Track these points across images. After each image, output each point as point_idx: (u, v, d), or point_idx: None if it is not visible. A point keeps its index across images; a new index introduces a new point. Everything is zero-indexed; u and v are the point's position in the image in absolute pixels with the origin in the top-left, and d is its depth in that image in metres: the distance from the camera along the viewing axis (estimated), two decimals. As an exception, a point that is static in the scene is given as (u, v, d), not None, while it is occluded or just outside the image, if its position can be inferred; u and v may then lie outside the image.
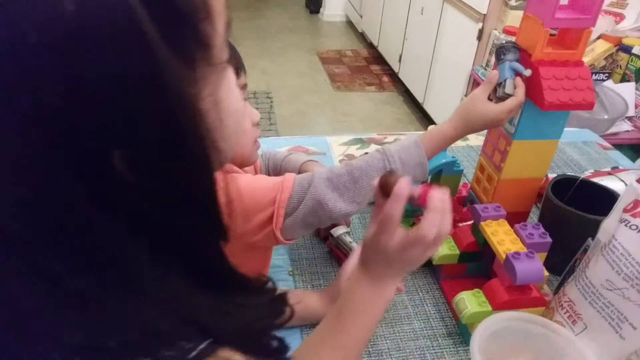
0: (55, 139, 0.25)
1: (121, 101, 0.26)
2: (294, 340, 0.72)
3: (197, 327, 0.31)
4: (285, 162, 0.93)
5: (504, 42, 0.72)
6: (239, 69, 0.68)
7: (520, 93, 0.73)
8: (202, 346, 0.30)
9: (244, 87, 0.71)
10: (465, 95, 2.37)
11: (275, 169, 0.95)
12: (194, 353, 0.30)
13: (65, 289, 0.28)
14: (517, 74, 0.73)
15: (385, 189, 0.51)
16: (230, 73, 0.36)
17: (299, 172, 0.90)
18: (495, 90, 0.74)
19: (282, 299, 0.41)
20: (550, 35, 0.73)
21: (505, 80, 0.72)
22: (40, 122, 0.25)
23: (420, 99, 2.95)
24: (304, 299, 0.74)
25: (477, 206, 0.77)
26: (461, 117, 0.74)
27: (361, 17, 4.09)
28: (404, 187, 0.49)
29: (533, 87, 0.73)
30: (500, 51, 0.74)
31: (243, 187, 0.67)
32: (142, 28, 0.25)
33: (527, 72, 0.72)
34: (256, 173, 0.94)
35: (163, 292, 0.31)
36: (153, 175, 0.29)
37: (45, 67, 0.24)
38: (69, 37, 0.24)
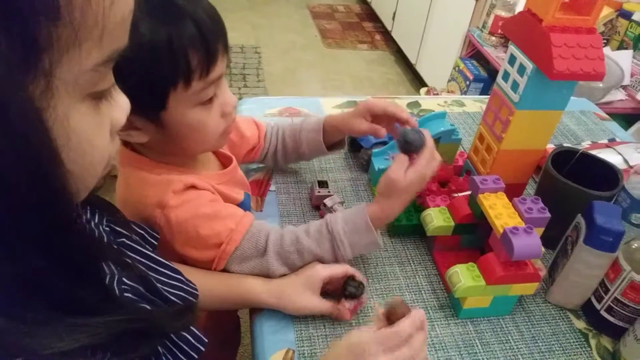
0: None
1: None
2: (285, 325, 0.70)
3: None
4: (306, 124, 0.86)
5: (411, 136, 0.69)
6: (218, 55, 0.60)
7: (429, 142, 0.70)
8: None
9: (221, 75, 0.62)
10: (460, 58, 2.31)
11: (294, 136, 0.87)
12: None
13: None
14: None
15: (390, 318, 0.55)
16: (93, 104, 0.31)
17: (324, 129, 0.84)
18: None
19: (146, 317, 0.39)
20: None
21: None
22: None
23: (412, 60, 2.88)
24: (248, 284, 0.69)
25: (476, 178, 0.74)
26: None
27: (355, -30, 3.94)
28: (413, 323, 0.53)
29: (542, 55, 0.69)
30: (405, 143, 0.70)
31: (204, 214, 0.66)
32: None
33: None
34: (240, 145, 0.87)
35: None
36: None
37: None
38: None
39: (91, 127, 0.31)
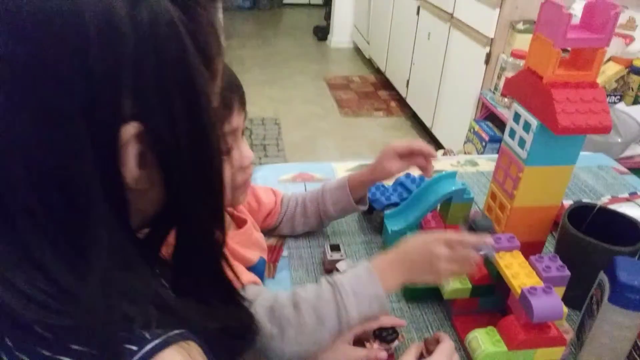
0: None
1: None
2: None
3: (170, 316, 0.36)
4: (329, 185, 0.89)
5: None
6: (234, 108, 0.63)
7: None
8: (171, 333, 0.34)
9: (237, 129, 0.65)
10: (474, 119, 2.33)
11: (316, 198, 0.89)
12: (163, 337, 0.34)
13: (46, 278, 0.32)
14: None
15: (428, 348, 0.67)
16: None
17: (350, 186, 0.86)
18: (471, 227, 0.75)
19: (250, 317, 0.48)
20: (562, 56, 0.70)
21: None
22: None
23: (428, 124, 2.92)
24: None
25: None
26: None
27: (368, 43, 4.11)
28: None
29: (545, 111, 0.69)
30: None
31: None
32: (184, 41, 0.33)
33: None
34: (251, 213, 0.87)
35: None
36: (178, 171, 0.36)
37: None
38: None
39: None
